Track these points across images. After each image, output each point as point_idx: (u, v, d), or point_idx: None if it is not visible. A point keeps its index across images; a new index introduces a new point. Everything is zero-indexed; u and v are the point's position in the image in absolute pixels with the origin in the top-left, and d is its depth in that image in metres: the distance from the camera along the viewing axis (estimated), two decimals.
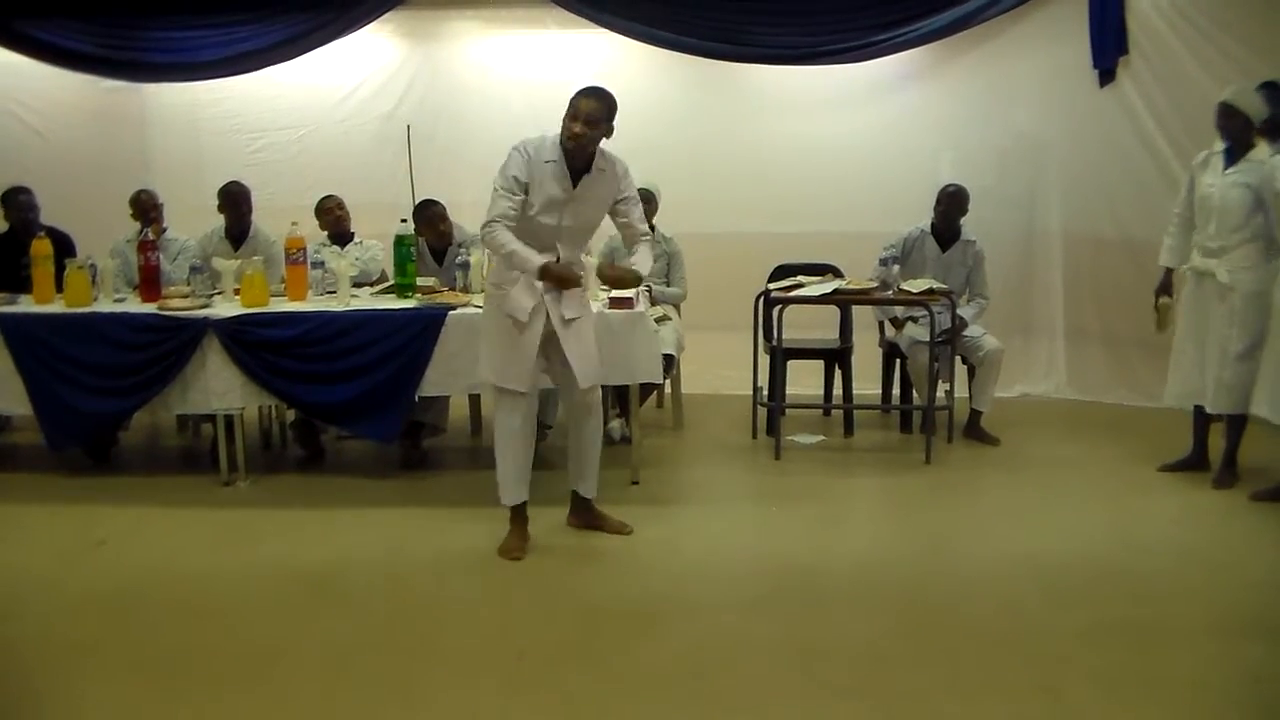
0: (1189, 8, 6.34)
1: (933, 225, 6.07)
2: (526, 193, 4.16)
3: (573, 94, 4.17)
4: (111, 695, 3.32)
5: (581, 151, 4.17)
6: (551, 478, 4.89)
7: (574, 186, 4.20)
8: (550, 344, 4.34)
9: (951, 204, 5.99)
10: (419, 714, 3.22)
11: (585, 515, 4.65)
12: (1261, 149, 4.95)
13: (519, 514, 4.48)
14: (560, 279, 4.19)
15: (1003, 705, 3.22)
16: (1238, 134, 4.96)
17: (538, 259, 4.14)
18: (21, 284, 5.52)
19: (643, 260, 4.31)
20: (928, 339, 5.66)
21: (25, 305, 5.39)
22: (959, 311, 5.82)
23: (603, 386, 4.74)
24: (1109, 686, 3.30)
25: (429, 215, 5.84)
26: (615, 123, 4.20)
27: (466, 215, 6.51)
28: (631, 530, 4.58)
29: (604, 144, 4.24)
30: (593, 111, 4.12)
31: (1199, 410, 5.22)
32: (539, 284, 4.22)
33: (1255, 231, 4.91)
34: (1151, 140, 6.47)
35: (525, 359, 4.29)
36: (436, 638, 3.70)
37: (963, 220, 6.04)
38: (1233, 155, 4.99)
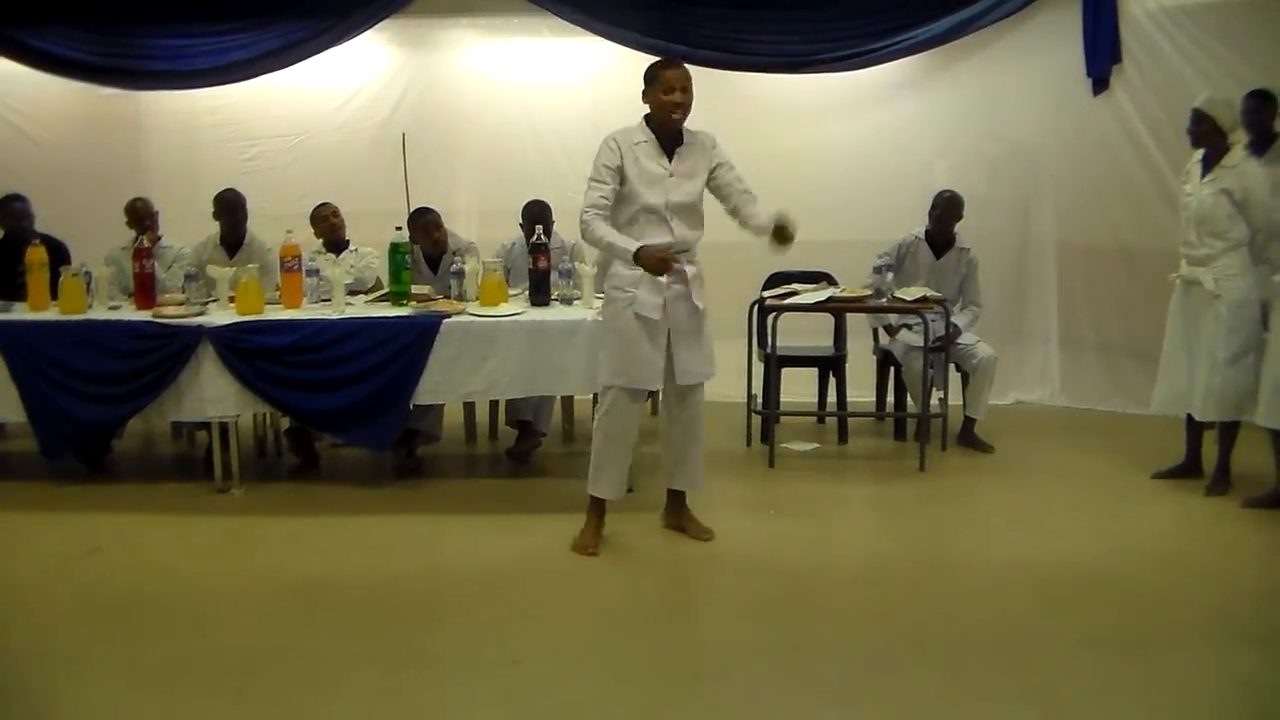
0: (1182, 16, 6.38)
1: (927, 232, 6.09)
2: (622, 180, 4.23)
3: (655, 68, 4.26)
4: (105, 703, 3.32)
5: (676, 123, 4.26)
6: (549, 485, 4.89)
7: (669, 161, 4.27)
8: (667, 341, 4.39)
9: (947, 210, 6.01)
10: None
11: (677, 514, 4.64)
12: (1235, 153, 4.98)
13: (599, 506, 4.48)
14: (656, 261, 4.15)
15: (997, 711, 3.23)
16: (1208, 140, 4.99)
17: (633, 243, 4.18)
18: (16, 291, 5.52)
19: (764, 215, 4.36)
20: (922, 345, 5.67)
21: (20, 313, 5.38)
22: (953, 319, 5.83)
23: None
24: (1103, 692, 3.31)
25: (423, 223, 5.84)
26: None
27: (461, 223, 6.53)
28: (712, 536, 4.57)
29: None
30: (687, 78, 4.24)
31: (1192, 418, 5.24)
32: (664, 279, 4.25)
33: (1239, 238, 4.94)
34: (1145, 148, 6.50)
35: (658, 356, 4.33)
36: (431, 645, 3.69)
37: (957, 228, 6.07)
38: (1209, 163, 5.03)
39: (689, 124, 4.33)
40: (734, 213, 4.42)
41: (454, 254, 5.82)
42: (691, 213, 4.35)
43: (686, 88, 4.22)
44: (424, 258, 5.90)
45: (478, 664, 3.55)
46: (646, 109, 4.29)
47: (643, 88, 4.28)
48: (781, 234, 4.32)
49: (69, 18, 6.89)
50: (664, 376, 4.40)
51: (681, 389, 4.45)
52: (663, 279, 4.24)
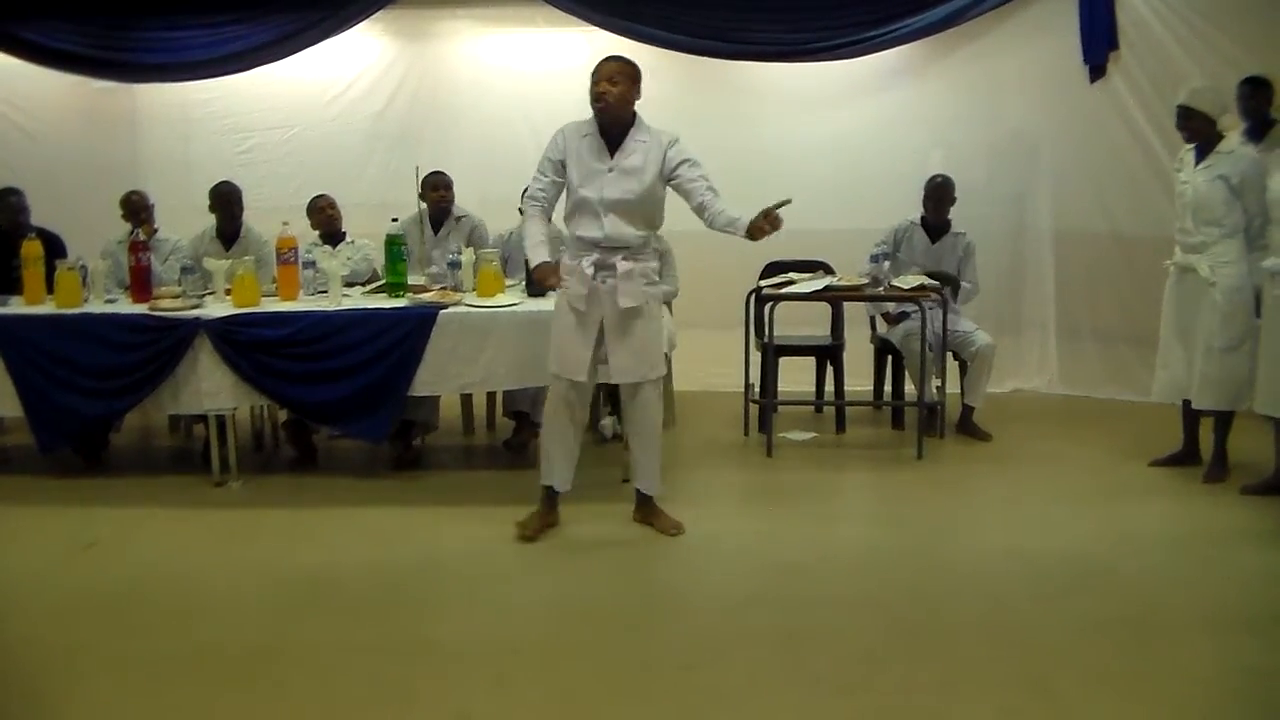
0: (1179, 2, 6.37)
1: (923, 217, 6.10)
2: (564, 171, 4.31)
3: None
4: (104, 697, 3.32)
5: (614, 118, 4.27)
6: (533, 476, 4.87)
7: (611, 157, 4.28)
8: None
9: (938, 193, 6.05)
10: (413, 712, 3.22)
11: (643, 510, 4.64)
12: (1230, 140, 4.98)
13: (547, 495, 4.54)
14: (539, 280, 4.42)
15: (994, 700, 3.22)
16: (1199, 133, 5.00)
17: (536, 256, 4.36)
18: (12, 285, 5.51)
19: (730, 212, 4.28)
20: (919, 326, 5.66)
21: (16, 306, 5.36)
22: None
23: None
24: (1101, 681, 3.31)
25: (433, 181, 5.95)
26: (643, 87, 4.33)
27: None
28: (681, 531, 4.55)
29: (647, 119, 4.36)
30: (615, 71, 4.25)
31: (1189, 405, 5.24)
32: (588, 270, 4.32)
33: (1234, 226, 4.94)
34: (1142, 135, 6.49)
35: (581, 348, 4.36)
36: (429, 636, 3.70)
37: (952, 213, 6.07)
38: (1202, 151, 5.02)
39: (655, 122, 4.37)
40: (699, 210, 4.35)
41: (456, 220, 5.98)
42: (631, 210, 4.32)
43: (612, 78, 4.24)
44: (429, 220, 6.00)
45: (475, 653, 3.56)
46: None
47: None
48: (768, 216, 4.21)
49: (63, 11, 6.87)
50: (591, 371, 4.41)
51: (628, 388, 4.47)
52: (588, 272, 4.30)
